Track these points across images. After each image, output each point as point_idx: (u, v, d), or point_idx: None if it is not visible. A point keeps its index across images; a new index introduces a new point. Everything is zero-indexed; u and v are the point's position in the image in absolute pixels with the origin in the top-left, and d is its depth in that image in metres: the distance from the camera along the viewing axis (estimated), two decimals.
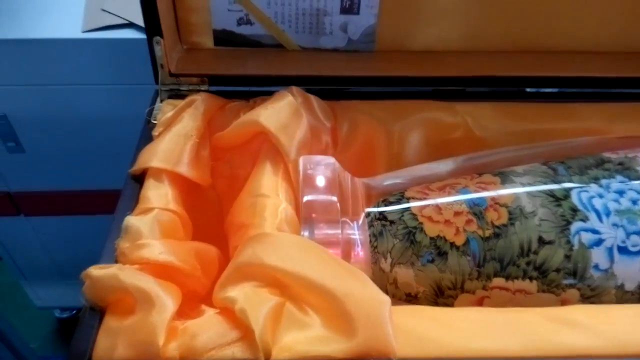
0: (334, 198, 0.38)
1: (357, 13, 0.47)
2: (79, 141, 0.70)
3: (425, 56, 0.49)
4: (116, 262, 0.34)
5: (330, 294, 0.31)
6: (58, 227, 0.81)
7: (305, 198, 0.37)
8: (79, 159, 0.72)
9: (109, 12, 0.61)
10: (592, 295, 0.36)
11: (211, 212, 0.46)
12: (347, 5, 0.47)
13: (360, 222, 0.38)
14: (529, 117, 0.46)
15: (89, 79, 0.63)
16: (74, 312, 0.99)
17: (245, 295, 0.32)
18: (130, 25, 0.60)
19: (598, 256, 0.36)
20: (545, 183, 0.38)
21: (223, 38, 0.49)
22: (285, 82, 0.46)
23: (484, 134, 0.46)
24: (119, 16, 0.61)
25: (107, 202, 0.77)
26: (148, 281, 0.32)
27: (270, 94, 0.45)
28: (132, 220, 0.36)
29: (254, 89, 0.47)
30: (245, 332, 0.31)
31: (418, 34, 0.49)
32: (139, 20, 0.59)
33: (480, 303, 0.37)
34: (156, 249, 0.34)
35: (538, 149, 0.42)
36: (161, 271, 0.34)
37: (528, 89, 0.49)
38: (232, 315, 0.31)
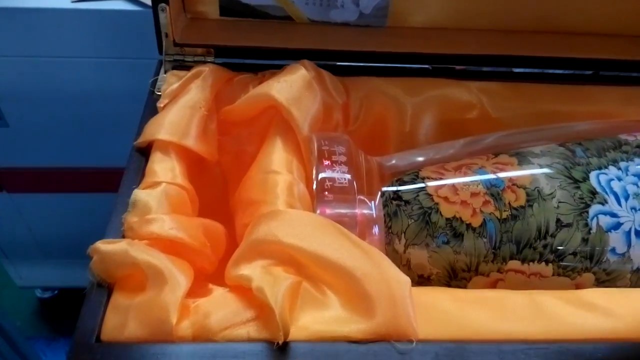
0: (349, 176, 0.36)
1: None
2: (65, 116, 0.67)
3: (437, 33, 0.48)
4: (123, 237, 0.33)
5: (349, 273, 0.30)
6: (42, 205, 0.78)
7: (321, 175, 0.36)
8: (65, 134, 0.69)
9: None
10: (607, 280, 0.36)
11: (215, 189, 0.44)
12: None
13: (377, 201, 0.37)
14: (544, 98, 0.45)
15: (77, 51, 0.61)
16: (56, 292, 0.97)
17: (261, 274, 0.30)
18: None
19: (615, 240, 0.35)
20: (563, 165, 0.37)
21: (229, 8, 0.47)
22: (293, 55, 0.44)
23: (498, 115, 0.45)
24: None
25: (93, 179, 0.75)
26: (160, 257, 0.30)
27: (278, 67, 0.43)
28: (140, 195, 0.34)
29: (261, 62, 0.45)
30: (260, 311, 0.30)
31: (430, 10, 0.47)
32: None
33: (494, 286, 0.36)
34: (166, 224, 0.32)
35: (553, 131, 0.41)
36: (170, 247, 0.32)
37: (537, 70, 0.48)
38: (246, 294, 0.30)
